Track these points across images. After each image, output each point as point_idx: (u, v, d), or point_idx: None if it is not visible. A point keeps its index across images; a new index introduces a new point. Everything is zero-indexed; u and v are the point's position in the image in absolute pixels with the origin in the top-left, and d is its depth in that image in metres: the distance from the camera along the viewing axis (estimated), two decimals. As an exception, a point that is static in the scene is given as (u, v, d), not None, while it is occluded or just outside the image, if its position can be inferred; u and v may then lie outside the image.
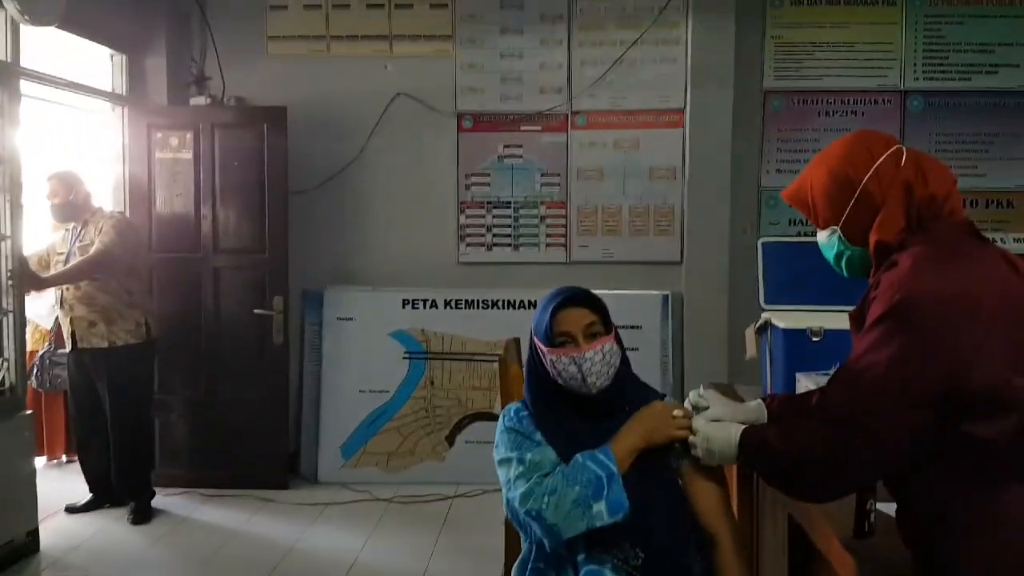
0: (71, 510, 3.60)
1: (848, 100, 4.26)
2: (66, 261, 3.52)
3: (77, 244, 3.54)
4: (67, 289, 3.50)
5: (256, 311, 3.98)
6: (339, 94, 4.27)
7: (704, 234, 4.17)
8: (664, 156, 4.27)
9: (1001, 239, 3.80)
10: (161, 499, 3.76)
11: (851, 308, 1.34)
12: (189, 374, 4.02)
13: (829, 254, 1.41)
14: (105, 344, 3.50)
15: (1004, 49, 4.23)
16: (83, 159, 4.23)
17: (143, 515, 3.56)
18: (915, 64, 4.25)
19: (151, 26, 4.15)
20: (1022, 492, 1.12)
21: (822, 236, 1.40)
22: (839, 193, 1.32)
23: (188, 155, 4.00)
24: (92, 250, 3.43)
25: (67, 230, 3.64)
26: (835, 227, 1.35)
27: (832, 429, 1.21)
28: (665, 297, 4.23)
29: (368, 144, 4.28)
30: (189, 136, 4.00)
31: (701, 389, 1.65)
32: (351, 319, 4.19)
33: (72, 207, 3.55)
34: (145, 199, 4.03)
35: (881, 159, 1.29)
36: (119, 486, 3.62)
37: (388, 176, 4.31)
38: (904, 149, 1.31)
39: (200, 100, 4.19)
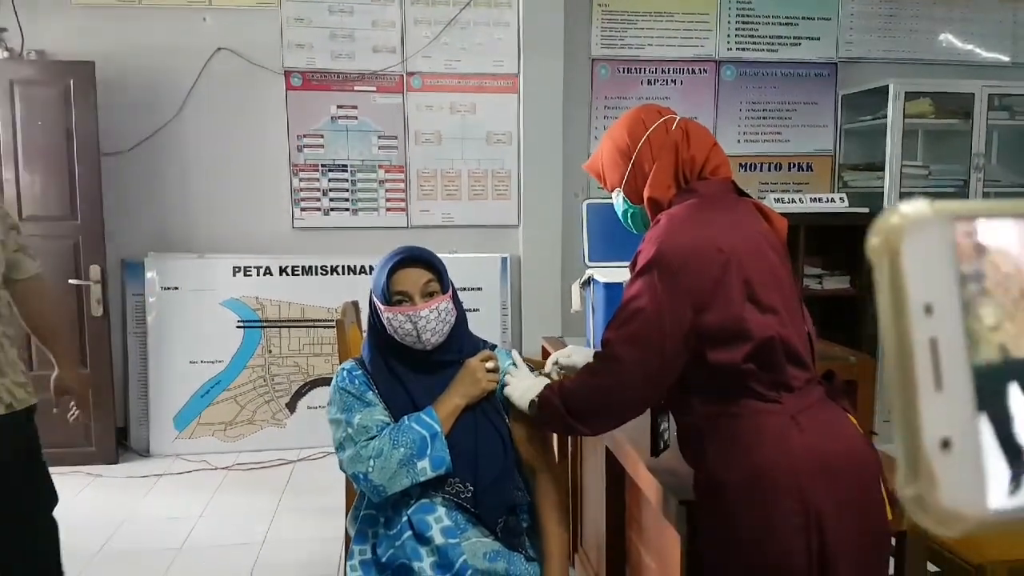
0: None
1: (668, 69, 4.51)
2: None
3: None
4: None
5: (71, 281, 3.71)
6: (153, 48, 3.99)
7: (539, 198, 4.29)
8: (501, 121, 4.34)
9: (800, 199, 4.22)
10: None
11: None
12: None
13: (619, 213, 1.57)
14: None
15: (807, 22, 4.60)
16: None
17: None
18: (728, 35, 4.55)
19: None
20: (752, 406, 1.32)
21: (613, 198, 1.57)
22: (620, 159, 1.50)
23: (-17, 113, 3.60)
24: (32, 277, 2.18)
25: None
26: (619, 188, 1.52)
27: (601, 364, 1.40)
28: (504, 259, 4.33)
29: (187, 102, 4.04)
30: (-17, 93, 3.60)
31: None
32: (176, 288, 3.99)
33: None
34: (-69, 161, 3.61)
35: (653, 127, 1.46)
36: None
37: (211, 137, 4.09)
38: (676, 118, 1.49)
39: (-5, 54, 3.79)
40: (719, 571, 1.34)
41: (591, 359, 1.61)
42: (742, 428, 1.32)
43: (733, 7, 4.53)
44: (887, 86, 4.15)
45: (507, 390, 1.62)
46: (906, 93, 4.14)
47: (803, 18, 4.60)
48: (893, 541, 1.55)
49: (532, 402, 1.55)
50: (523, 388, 1.60)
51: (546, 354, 3.13)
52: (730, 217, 1.39)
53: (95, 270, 3.72)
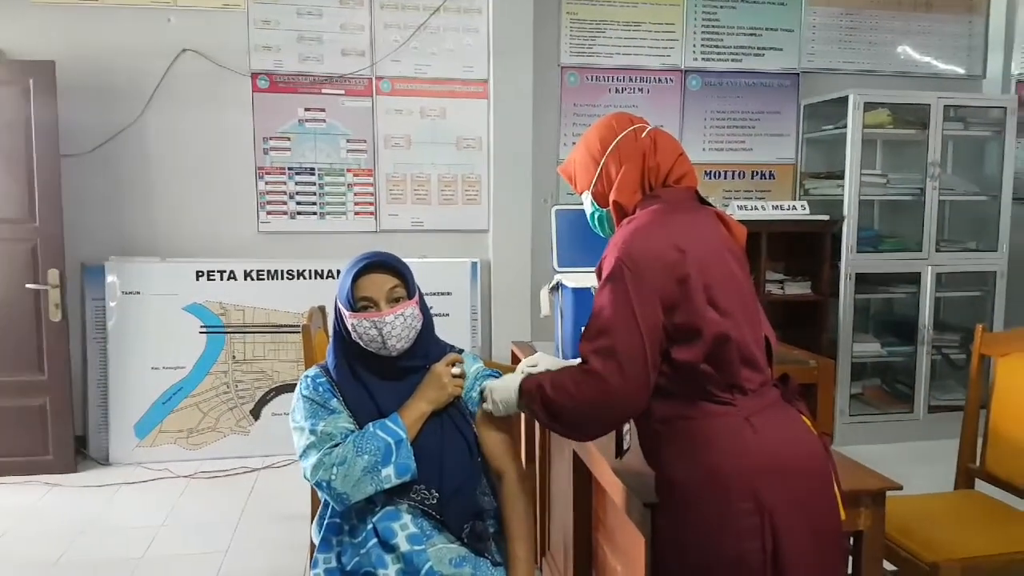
0: None
1: (635, 77, 4.56)
2: None
3: None
4: None
5: (28, 286, 3.64)
6: (116, 48, 3.93)
7: (509, 203, 4.30)
8: (470, 126, 4.35)
9: (762, 206, 4.29)
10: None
11: None
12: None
13: (587, 215, 1.59)
14: None
15: (770, 34, 4.69)
16: None
17: None
18: (694, 45, 4.62)
19: None
20: (707, 408, 1.35)
21: (583, 200, 1.59)
22: (590, 162, 1.53)
23: (-63, 113, 3.51)
24: None
25: None
26: (588, 191, 1.55)
27: (583, 378, 1.39)
28: (474, 264, 4.34)
29: (151, 103, 3.98)
30: (-62, 92, 3.52)
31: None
32: (138, 293, 3.92)
33: None
34: None
35: (623, 134, 1.49)
36: None
37: (174, 139, 4.04)
38: (648, 127, 1.51)
39: (-50, 51, 3.70)
40: (675, 571, 1.36)
41: (558, 366, 1.62)
42: (696, 430, 1.34)
43: (699, 18, 4.60)
44: (847, 97, 4.25)
45: (488, 391, 1.60)
46: (865, 103, 4.23)
47: (767, 30, 4.68)
48: (851, 540, 1.58)
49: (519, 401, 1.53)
50: (502, 390, 1.58)
51: (515, 359, 3.14)
52: (691, 223, 1.42)
53: (53, 274, 3.65)
